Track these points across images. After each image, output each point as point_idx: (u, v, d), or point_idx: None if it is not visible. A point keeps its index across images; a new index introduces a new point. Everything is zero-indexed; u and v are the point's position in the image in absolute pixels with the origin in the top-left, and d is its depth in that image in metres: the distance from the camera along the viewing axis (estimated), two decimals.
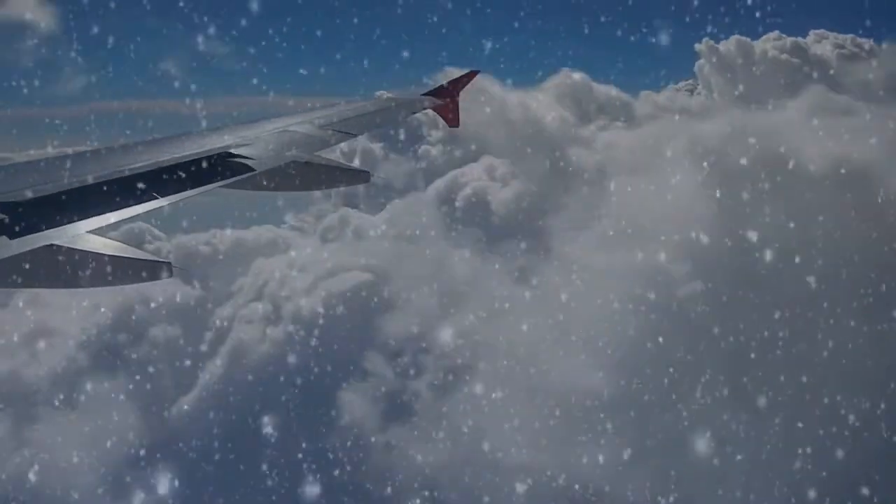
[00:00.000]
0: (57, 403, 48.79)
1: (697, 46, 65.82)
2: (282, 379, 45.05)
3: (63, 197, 4.81)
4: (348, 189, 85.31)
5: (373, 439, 42.16)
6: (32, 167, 5.27)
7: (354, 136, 7.97)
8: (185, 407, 46.83)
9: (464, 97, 11.13)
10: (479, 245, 50.55)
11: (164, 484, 42.81)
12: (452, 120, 10.97)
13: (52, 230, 4.42)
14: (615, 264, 44.18)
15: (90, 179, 5.06)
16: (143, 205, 5.01)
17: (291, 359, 46.21)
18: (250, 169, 6.05)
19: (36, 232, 4.36)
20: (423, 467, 39.58)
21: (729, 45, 65.29)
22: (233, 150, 6.26)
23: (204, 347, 51.40)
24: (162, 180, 5.39)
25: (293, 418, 43.12)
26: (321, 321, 47.34)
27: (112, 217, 4.77)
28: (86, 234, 4.55)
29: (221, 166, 5.97)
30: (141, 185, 5.20)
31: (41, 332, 55.22)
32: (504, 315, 44.24)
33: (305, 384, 44.45)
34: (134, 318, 54.31)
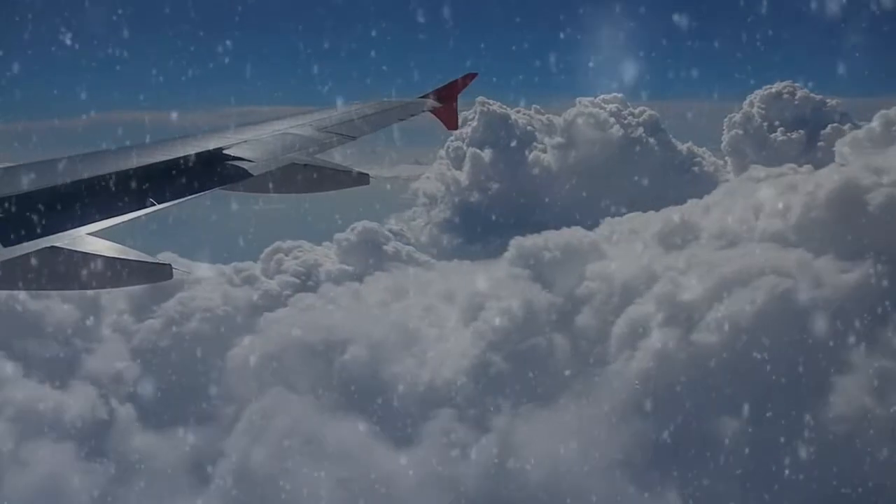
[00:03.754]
0: (498, 409, 50.96)
1: None
2: (739, 381, 46.87)
3: (65, 199, 4.86)
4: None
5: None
6: (33, 170, 5.28)
7: (353, 139, 8.13)
8: (631, 410, 48.40)
9: None
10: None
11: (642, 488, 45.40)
12: (451, 123, 11.17)
13: (53, 232, 4.49)
14: None
15: (92, 182, 5.13)
16: (145, 207, 5.15)
17: (739, 363, 47.56)
18: (250, 171, 6.20)
19: (38, 234, 4.42)
20: None
21: None
22: (233, 153, 6.41)
23: (599, 349, 54.27)
24: (163, 182, 5.53)
25: (767, 418, 45.30)
26: (759, 326, 48.56)
27: (114, 219, 4.89)
28: (87, 237, 4.65)
29: (222, 168, 6.13)
30: (143, 188, 5.32)
31: (428, 337, 57.21)
32: None
33: (766, 386, 46.17)
34: (516, 324, 56.42)
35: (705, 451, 45.41)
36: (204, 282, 68.09)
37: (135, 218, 5.07)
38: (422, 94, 11.07)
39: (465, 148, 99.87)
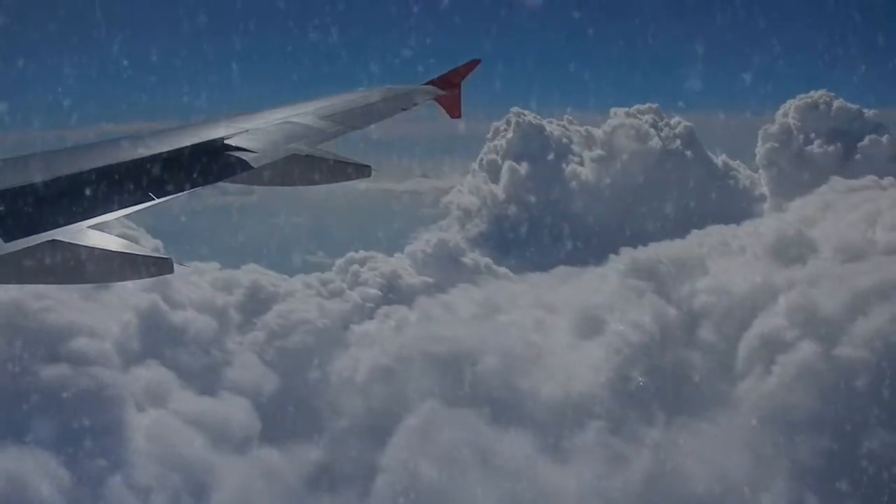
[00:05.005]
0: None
1: None
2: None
3: (65, 192, 4.81)
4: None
5: None
6: (33, 162, 5.25)
7: (357, 129, 8.01)
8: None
9: None
10: None
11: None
12: (454, 111, 10.89)
13: (53, 226, 4.46)
14: None
15: (92, 174, 5.06)
16: (146, 199, 5.10)
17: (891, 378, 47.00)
18: (252, 162, 6.12)
19: (38, 227, 4.39)
20: None
21: None
22: (234, 143, 6.33)
23: (731, 363, 54.15)
24: (165, 174, 5.46)
25: None
26: None
27: (115, 212, 4.85)
28: (87, 230, 4.61)
29: (224, 159, 6.05)
30: (144, 180, 5.26)
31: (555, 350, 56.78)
32: None
33: None
34: (644, 337, 55.98)
35: (862, 466, 45.26)
36: (296, 294, 67.22)
37: (139, 210, 5.02)
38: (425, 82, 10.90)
39: (500, 161, 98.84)
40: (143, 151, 5.58)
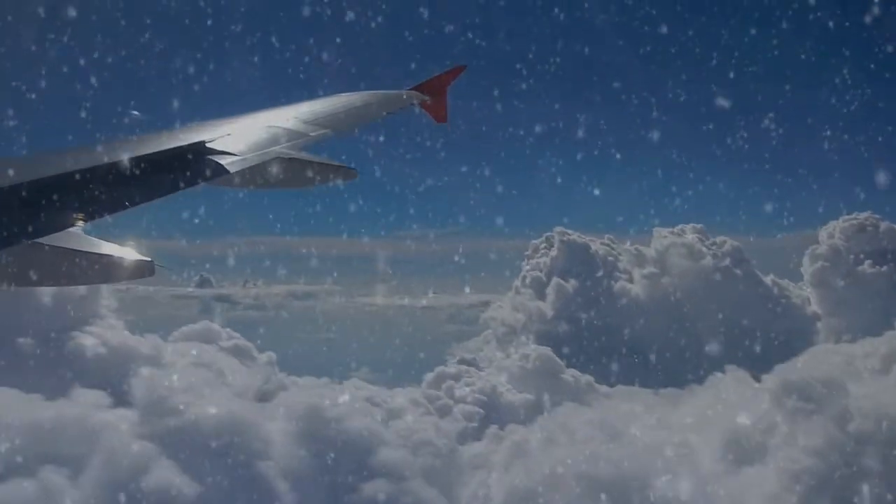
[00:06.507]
0: None
1: None
2: None
3: (46, 194, 4.73)
4: None
5: None
6: (13, 165, 5.19)
7: (341, 132, 7.91)
8: None
9: None
10: None
11: None
12: (440, 116, 10.75)
13: (35, 228, 4.40)
14: None
15: (73, 177, 4.99)
16: (129, 202, 5.04)
17: None
18: (235, 165, 6.07)
19: (18, 230, 4.33)
20: None
21: None
22: (217, 146, 6.26)
23: None
24: (146, 177, 5.41)
25: None
26: None
27: (98, 215, 4.78)
28: (69, 232, 4.57)
29: (206, 162, 5.97)
30: (126, 183, 5.23)
31: None
32: None
33: None
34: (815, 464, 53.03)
35: None
36: (406, 410, 63.65)
37: (121, 212, 4.90)
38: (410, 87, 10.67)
39: (544, 278, 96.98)
40: (124, 154, 5.46)
